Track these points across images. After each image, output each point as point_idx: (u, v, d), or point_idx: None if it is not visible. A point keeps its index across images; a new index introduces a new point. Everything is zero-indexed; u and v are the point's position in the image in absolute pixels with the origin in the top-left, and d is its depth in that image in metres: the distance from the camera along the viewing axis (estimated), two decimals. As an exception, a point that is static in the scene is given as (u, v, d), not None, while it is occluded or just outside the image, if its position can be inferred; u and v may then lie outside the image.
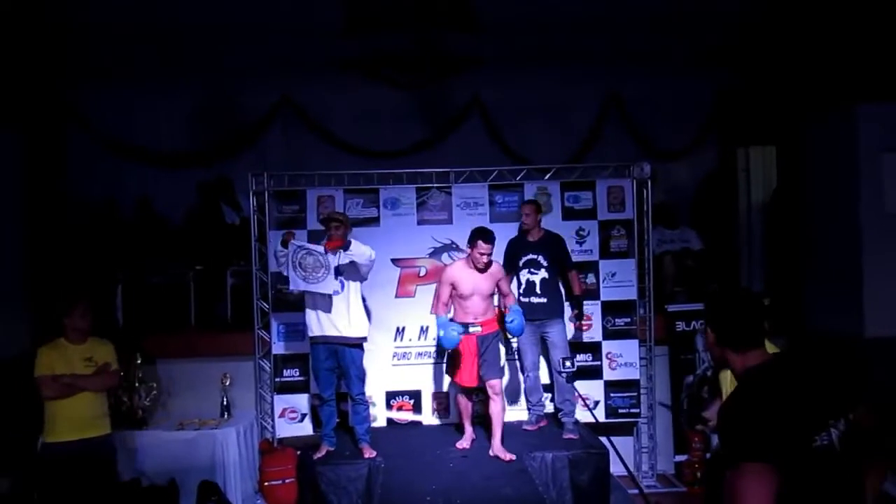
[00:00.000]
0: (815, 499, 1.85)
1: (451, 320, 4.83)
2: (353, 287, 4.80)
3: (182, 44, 7.49)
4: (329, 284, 4.69)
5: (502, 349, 5.14)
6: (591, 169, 5.94)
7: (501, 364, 5.07)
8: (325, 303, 4.76)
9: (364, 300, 5.04)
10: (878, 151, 5.89)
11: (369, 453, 4.83)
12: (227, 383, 5.45)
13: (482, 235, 4.72)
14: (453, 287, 4.82)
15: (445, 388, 5.57)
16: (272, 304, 5.53)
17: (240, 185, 6.34)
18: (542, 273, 5.18)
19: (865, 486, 1.99)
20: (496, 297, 4.99)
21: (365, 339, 4.91)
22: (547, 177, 5.79)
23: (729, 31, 7.70)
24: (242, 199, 6.42)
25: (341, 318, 4.75)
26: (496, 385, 4.85)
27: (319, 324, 4.78)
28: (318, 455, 4.87)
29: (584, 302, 5.49)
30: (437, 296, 4.93)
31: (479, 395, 5.11)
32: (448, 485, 4.44)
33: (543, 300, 5.16)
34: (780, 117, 7.29)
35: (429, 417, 5.62)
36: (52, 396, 4.07)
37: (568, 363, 4.21)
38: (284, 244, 4.76)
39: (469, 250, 4.79)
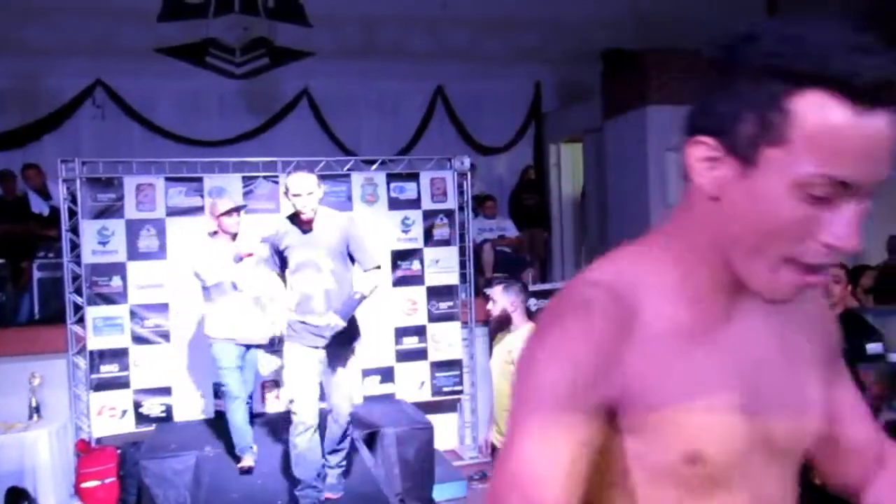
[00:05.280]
0: None
1: None
2: None
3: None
4: None
5: None
6: (415, 161, 6.23)
7: None
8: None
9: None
10: (664, 150, 6.73)
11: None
12: (37, 383, 5.12)
13: None
14: None
15: (275, 376, 5.58)
16: (87, 298, 5.26)
17: (51, 174, 5.95)
18: (325, 277, 3.80)
19: None
20: None
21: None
22: (374, 168, 5.99)
23: (545, 33, 8.40)
24: (52, 186, 6.01)
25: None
26: None
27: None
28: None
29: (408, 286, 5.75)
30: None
31: None
32: (280, 469, 4.51)
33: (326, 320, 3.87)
34: (588, 117, 8.04)
35: (260, 405, 5.62)
36: None
37: None
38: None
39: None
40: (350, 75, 8.20)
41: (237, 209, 4.52)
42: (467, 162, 6.10)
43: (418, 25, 8.54)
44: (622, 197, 7.18)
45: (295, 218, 3.85)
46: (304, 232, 3.82)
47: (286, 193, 3.76)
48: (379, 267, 3.94)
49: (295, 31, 7.15)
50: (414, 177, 5.98)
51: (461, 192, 6.07)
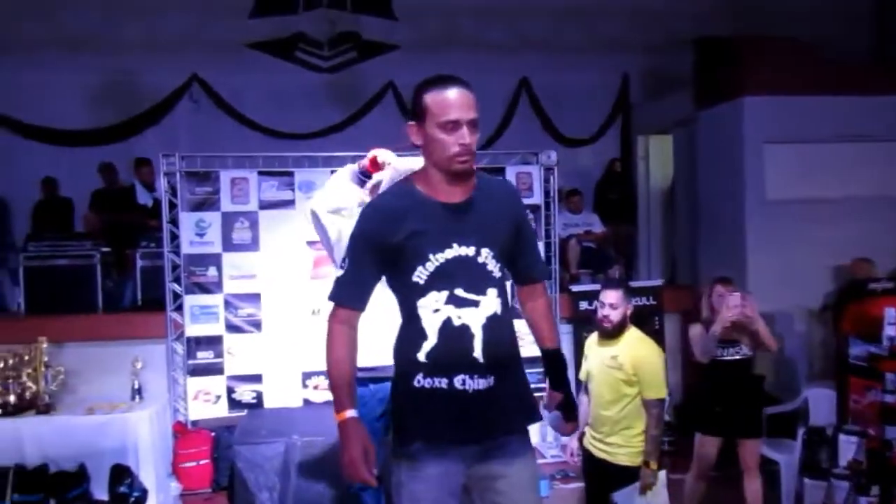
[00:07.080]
0: None
1: None
2: None
3: (77, 18, 7.29)
4: None
5: None
6: (500, 155, 6.17)
7: None
8: None
9: None
10: (761, 142, 6.42)
11: None
12: (139, 366, 5.37)
13: None
14: None
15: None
16: (184, 287, 5.48)
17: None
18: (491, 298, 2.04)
19: None
20: None
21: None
22: (459, 162, 5.96)
23: (631, 21, 8.18)
24: (156, 179, 6.29)
25: None
26: None
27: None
28: None
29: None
30: None
31: None
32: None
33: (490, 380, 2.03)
34: (679, 108, 7.77)
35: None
36: None
37: None
38: None
39: None
40: (430, 68, 8.11)
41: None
42: (554, 156, 6.00)
43: (498, 16, 8.46)
44: (715, 192, 6.90)
45: (430, 177, 1.98)
46: (452, 209, 1.96)
47: (420, 120, 1.97)
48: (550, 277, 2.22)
49: (377, 25, 7.19)
50: (500, 171, 5.92)
51: (547, 187, 5.98)
